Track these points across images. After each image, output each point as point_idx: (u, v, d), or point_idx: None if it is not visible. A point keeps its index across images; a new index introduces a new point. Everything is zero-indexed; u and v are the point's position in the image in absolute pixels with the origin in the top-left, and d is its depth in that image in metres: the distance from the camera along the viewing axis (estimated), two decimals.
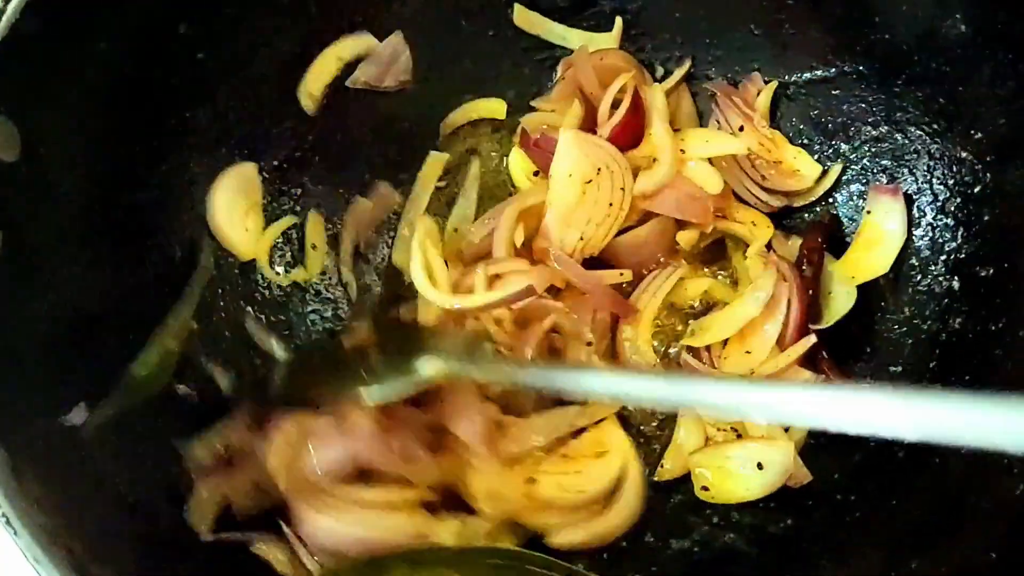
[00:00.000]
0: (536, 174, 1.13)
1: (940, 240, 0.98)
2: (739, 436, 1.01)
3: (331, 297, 1.14)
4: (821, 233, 1.04)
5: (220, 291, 1.06)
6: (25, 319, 0.83)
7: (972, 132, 0.95)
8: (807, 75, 1.09)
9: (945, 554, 0.79)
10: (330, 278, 1.14)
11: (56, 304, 0.87)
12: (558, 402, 1.01)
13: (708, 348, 1.04)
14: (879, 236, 1.02)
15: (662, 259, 1.09)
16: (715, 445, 1.00)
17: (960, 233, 0.96)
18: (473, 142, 1.19)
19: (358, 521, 0.88)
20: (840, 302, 1.01)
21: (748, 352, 1.00)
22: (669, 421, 1.04)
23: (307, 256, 1.13)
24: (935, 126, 0.99)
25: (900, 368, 0.98)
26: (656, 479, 1.01)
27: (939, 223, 0.99)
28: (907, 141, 1.02)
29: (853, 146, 1.07)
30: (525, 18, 1.16)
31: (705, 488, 0.97)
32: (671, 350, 1.08)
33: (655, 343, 1.08)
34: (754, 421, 0.98)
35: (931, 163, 1.00)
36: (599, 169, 1.03)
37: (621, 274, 1.06)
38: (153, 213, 1.00)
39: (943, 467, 0.85)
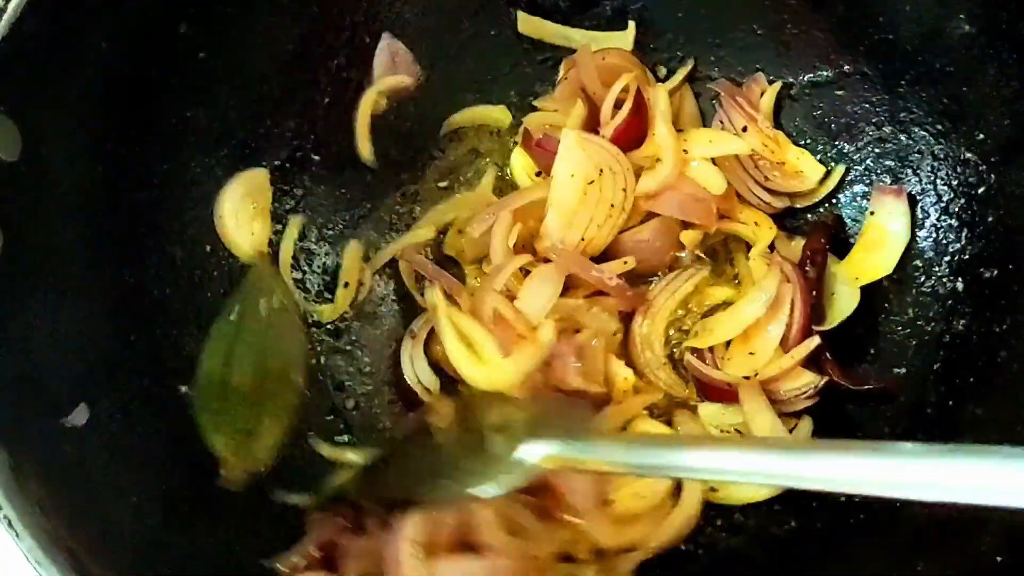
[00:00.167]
0: (539, 174, 1.13)
1: (944, 241, 0.98)
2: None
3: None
4: (824, 234, 1.04)
5: None
6: (25, 319, 0.83)
7: (976, 133, 0.95)
8: (810, 75, 1.08)
9: (951, 556, 0.79)
10: None
11: (56, 304, 0.86)
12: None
13: (711, 349, 1.03)
14: (883, 237, 1.01)
15: (674, 255, 1.09)
16: None
17: (964, 234, 0.96)
18: (475, 143, 1.19)
19: None
20: (844, 303, 1.01)
21: (751, 353, 1.00)
22: (673, 422, 1.04)
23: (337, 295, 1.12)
24: (939, 127, 0.99)
25: (904, 370, 0.98)
26: None
27: (943, 224, 0.98)
28: (911, 142, 1.02)
29: (857, 147, 1.07)
30: (530, 25, 1.15)
31: (713, 489, 0.97)
32: (673, 351, 1.07)
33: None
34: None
35: (935, 164, 0.99)
36: (601, 170, 1.03)
37: (625, 262, 1.04)
38: (153, 213, 0.99)
39: None
